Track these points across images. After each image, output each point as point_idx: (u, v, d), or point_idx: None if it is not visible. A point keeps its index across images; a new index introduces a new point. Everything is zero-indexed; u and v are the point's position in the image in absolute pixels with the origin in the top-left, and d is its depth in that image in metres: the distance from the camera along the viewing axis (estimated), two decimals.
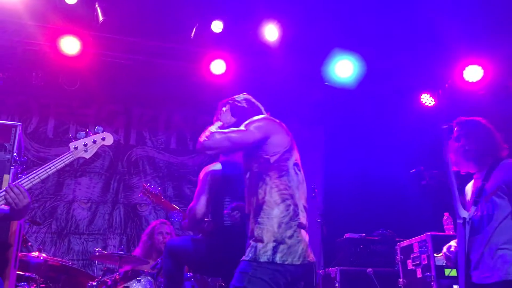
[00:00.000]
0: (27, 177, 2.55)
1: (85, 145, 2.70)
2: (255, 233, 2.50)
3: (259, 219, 2.52)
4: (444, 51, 6.16)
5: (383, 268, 5.28)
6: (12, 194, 2.46)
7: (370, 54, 6.35)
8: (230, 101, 3.05)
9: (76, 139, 2.70)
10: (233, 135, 2.64)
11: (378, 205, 6.73)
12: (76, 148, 2.68)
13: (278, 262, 2.41)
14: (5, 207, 2.56)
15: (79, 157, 2.67)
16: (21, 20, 5.57)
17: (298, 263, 2.44)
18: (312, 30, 6.02)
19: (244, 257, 2.51)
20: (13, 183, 2.51)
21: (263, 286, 2.38)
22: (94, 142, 2.73)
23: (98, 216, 6.65)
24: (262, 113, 2.94)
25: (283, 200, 2.55)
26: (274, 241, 2.45)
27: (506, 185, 2.92)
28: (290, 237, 2.47)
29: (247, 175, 2.71)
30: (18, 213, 2.59)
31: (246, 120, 2.72)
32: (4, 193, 2.48)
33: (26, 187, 2.52)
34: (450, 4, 5.38)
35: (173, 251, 3.47)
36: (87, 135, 2.72)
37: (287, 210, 2.53)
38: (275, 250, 2.43)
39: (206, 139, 2.61)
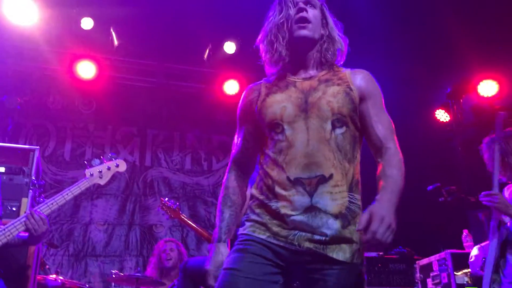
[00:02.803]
0: (46, 203, 2.63)
1: (100, 172, 2.80)
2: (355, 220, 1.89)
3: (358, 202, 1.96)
4: (459, 66, 6.13)
5: (402, 287, 5.19)
6: (32, 220, 2.53)
7: (382, 70, 6.34)
8: None
9: (91, 166, 2.79)
10: None
11: (396, 223, 6.65)
12: (91, 175, 2.78)
13: None
14: (24, 233, 2.61)
15: (95, 183, 2.75)
16: (38, 45, 5.71)
17: None
18: None
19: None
20: (33, 210, 2.57)
21: None
22: (109, 168, 2.83)
23: (114, 238, 6.67)
24: None
25: None
26: None
27: None
28: None
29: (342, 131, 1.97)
30: (36, 239, 2.65)
31: None
32: (24, 220, 2.52)
33: (45, 213, 2.58)
34: (464, 19, 5.37)
35: (189, 271, 3.47)
36: (101, 162, 2.82)
37: None
38: None
39: None
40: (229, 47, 6.01)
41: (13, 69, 6.01)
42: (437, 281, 4.56)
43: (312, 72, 2.04)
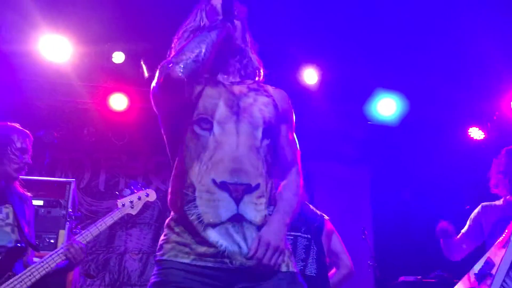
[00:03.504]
0: (81, 234, 2.70)
1: (131, 202, 2.89)
2: None
3: None
4: (491, 82, 6.02)
5: None
6: (72, 250, 2.63)
7: (414, 90, 6.29)
8: None
9: (122, 196, 2.88)
10: None
11: (433, 245, 6.47)
12: (123, 205, 2.86)
13: None
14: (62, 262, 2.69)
15: (127, 213, 2.83)
16: (72, 81, 5.90)
17: None
18: (352, 70, 6.05)
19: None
20: (72, 239, 2.65)
21: None
22: (139, 198, 2.92)
23: (149, 267, 6.71)
24: None
25: None
26: None
27: None
28: None
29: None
30: (74, 266, 2.73)
31: None
32: (64, 250, 2.61)
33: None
34: (496, 35, 5.30)
35: None
36: (132, 192, 2.91)
37: None
38: None
39: None
40: None
41: (48, 105, 6.22)
42: None
43: (238, 78, 1.99)
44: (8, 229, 2.61)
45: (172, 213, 1.88)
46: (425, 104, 6.47)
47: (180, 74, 1.74)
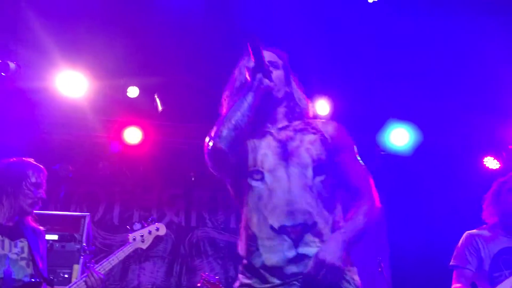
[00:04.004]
0: (100, 265, 2.73)
1: (142, 236, 2.93)
2: None
3: None
4: (505, 111, 5.99)
5: None
6: (92, 279, 2.68)
7: (427, 119, 6.28)
8: None
9: (133, 230, 2.92)
10: None
11: (451, 276, 6.32)
12: (134, 239, 2.90)
13: None
14: None
15: (138, 248, 2.87)
16: (87, 115, 6.00)
17: None
18: (363, 100, 6.07)
19: None
20: (92, 269, 2.68)
21: None
22: (150, 233, 2.96)
23: None
24: None
25: None
26: None
27: None
28: None
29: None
30: None
31: None
32: (85, 278, 2.72)
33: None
34: (509, 64, 5.30)
35: None
36: (142, 227, 2.95)
37: None
38: None
39: None
40: None
41: (64, 139, 6.30)
42: None
43: (283, 124, 2.07)
44: (23, 263, 2.62)
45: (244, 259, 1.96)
46: (438, 134, 6.44)
47: (222, 147, 1.91)
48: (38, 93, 5.52)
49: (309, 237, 1.81)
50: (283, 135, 2.01)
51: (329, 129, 2.07)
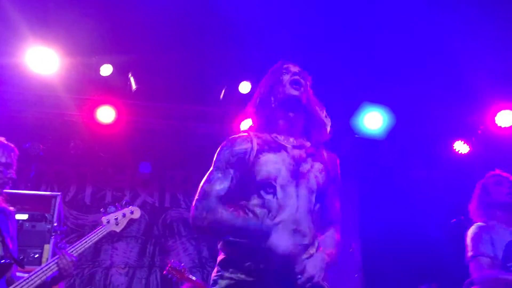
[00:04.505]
0: (73, 247, 2.71)
1: (116, 219, 2.90)
2: None
3: None
4: (475, 97, 6.11)
5: None
6: (64, 261, 2.64)
7: (399, 104, 6.36)
8: None
9: (107, 213, 2.89)
10: None
11: (420, 259, 6.51)
12: (108, 222, 2.88)
13: None
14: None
15: (111, 231, 2.85)
16: (59, 93, 5.86)
17: None
18: (338, 84, 6.10)
19: None
20: (64, 251, 2.65)
21: None
22: (124, 215, 2.94)
23: (135, 281, 6.64)
24: None
25: None
26: None
27: None
28: None
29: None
30: (59, 280, 2.73)
31: None
32: (57, 259, 2.67)
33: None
34: (480, 49, 5.39)
35: None
36: (117, 209, 2.93)
37: None
38: None
39: None
40: (245, 87, 6.11)
41: (35, 117, 6.16)
42: None
43: (298, 140, 2.17)
44: None
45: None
46: (411, 118, 6.54)
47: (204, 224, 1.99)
48: (7, 70, 5.36)
49: (303, 256, 1.96)
50: (296, 153, 2.11)
51: (331, 163, 2.22)
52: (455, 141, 6.74)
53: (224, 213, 1.95)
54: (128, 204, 3.00)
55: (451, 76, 5.81)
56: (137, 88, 5.90)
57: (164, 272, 4.56)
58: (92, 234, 2.83)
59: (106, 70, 5.72)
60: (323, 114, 2.26)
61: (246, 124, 6.48)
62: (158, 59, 5.72)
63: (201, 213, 2.00)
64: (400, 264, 6.46)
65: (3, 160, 2.71)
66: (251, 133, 2.18)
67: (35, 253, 3.56)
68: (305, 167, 2.07)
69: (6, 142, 2.82)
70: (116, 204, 2.98)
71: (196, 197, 2.12)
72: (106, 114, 6.10)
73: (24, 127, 5.99)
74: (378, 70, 5.83)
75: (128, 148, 6.71)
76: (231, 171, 2.08)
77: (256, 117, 2.26)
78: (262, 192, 1.98)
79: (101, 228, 2.87)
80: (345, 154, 7.16)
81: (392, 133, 6.53)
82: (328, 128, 2.25)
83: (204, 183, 2.13)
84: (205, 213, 1.99)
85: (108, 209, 2.93)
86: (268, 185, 1.98)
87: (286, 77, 2.24)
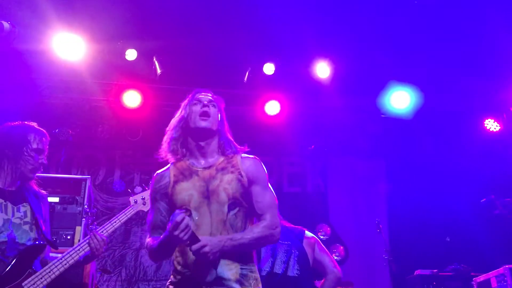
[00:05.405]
0: (103, 227, 2.76)
1: (143, 198, 2.94)
2: None
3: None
4: (505, 74, 5.94)
5: None
6: (95, 240, 2.71)
7: (428, 82, 6.23)
8: None
9: (134, 193, 2.93)
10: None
11: (449, 238, 6.43)
12: (135, 202, 2.91)
13: None
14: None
15: (139, 210, 2.89)
16: (85, 79, 5.95)
17: None
18: (364, 63, 6.01)
19: None
20: (95, 231, 2.71)
21: None
22: None
23: (164, 262, 6.76)
24: None
25: None
26: None
27: None
28: None
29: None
30: (91, 259, 2.81)
31: None
32: (88, 240, 2.73)
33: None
34: (508, 25, 5.22)
35: None
36: (143, 190, 2.96)
37: None
38: None
39: None
40: (269, 69, 6.07)
41: (63, 103, 6.28)
42: None
43: (210, 160, 2.46)
44: (26, 227, 2.64)
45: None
46: (439, 96, 6.41)
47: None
48: (35, 56, 5.46)
49: (223, 261, 2.25)
50: (206, 174, 2.40)
51: (246, 167, 2.45)
52: (486, 119, 6.59)
53: (149, 244, 2.37)
54: None
55: (480, 53, 5.66)
56: (162, 72, 5.94)
57: None
58: (120, 214, 2.87)
59: (131, 55, 5.77)
60: (229, 134, 2.56)
61: (271, 106, 6.47)
62: (182, 43, 5.74)
63: (147, 250, 2.43)
64: (428, 245, 6.40)
65: (35, 146, 2.76)
66: (170, 166, 2.50)
67: (67, 235, 3.66)
68: (215, 183, 2.36)
69: (37, 127, 2.87)
70: (143, 184, 3.03)
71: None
72: (132, 99, 6.17)
73: (52, 113, 6.11)
74: (404, 48, 5.72)
75: (155, 132, 6.76)
76: (158, 204, 2.44)
77: (172, 144, 2.53)
78: None
79: (129, 208, 2.92)
80: (372, 134, 7.12)
81: (420, 112, 6.41)
82: (234, 147, 2.53)
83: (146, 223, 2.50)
84: (146, 248, 2.43)
85: (135, 189, 2.97)
86: (185, 210, 2.30)
87: (197, 108, 2.51)
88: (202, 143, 2.46)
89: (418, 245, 6.38)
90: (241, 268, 2.30)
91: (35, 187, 2.85)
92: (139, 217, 6.80)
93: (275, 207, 2.47)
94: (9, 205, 2.68)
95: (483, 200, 5.12)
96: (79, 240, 3.66)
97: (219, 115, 2.56)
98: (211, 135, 2.49)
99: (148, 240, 2.40)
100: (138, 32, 5.59)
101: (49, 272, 2.58)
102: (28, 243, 2.66)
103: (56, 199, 3.80)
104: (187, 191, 2.35)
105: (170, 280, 2.35)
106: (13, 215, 2.67)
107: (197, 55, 5.89)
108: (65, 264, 2.63)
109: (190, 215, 2.28)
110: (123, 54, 5.75)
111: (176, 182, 2.40)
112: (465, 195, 6.15)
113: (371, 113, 6.74)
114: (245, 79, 6.20)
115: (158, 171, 2.55)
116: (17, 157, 2.73)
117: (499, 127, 6.52)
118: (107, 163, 7.11)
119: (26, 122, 2.87)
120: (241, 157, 2.51)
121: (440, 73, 6.05)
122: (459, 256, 5.68)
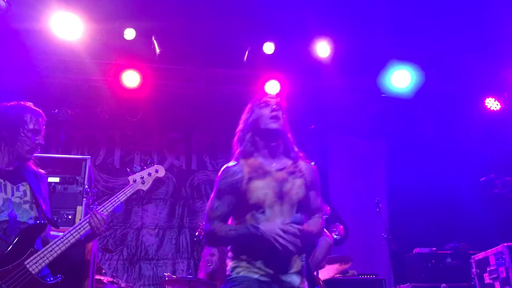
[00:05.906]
0: (103, 206, 2.76)
1: (142, 178, 2.93)
2: None
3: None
4: (506, 52, 5.90)
5: (458, 283, 5.05)
6: (95, 219, 2.70)
7: (428, 61, 6.19)
8: None
9: (133, 172, 2.92)
10: None
11: (448, 217, 6.47)
12: (134, 181, 2.91)
13: None
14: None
15: (139, 189, 2.88)
16: (84, 58, 5.91)
17: None
18: (364, 42, 5.97)
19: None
20: (95, 210, 2.71)
21: None
22: (149, 175, 2.97)
23: (165, 241, 6.82)
24: None
25: None
26: None
27: None
28: None
29: None
30: (92, 237, 2.82)
31: None
32: (88, 219, 2.72)
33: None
34: (509, 4, 5.17)
35: None
36: (142, 169, 2.96)
37: None
38: None
39: None
40: (268, 48, 6.02)
41: (61, 83, 6.25)
42: (495, 275, 4.40)
43: (280, 162, 2.64)
44: (27, 206, 2.65)
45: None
46: (440, 75, 6.37)
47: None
48: (32, 35, 5.41)
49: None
50: (279, 176, 2.57)
51: (308, 173, 2.66)
52: (486, 98, 6.57)
53: (223, 230, 2.52)
54: (153, 163, 3.03)
55: (481, 31, 5.61)
56: (161, 52, 5.89)
57: (197, 233, 4.66)
58: (120, 193, 2.87)
59: (130, 34, 5.72)
60: (291, 136, 2.75)
61: (271, 85, 6.44)
62: (181, 22, 5.68)
63: (208, 234, 2.56)
64: (427, 223, 6.45)
65: (31, 126, 2.74)
66: (242, 161, 2.64)
67: (68, 214, 3.68)
68: (287, 186, 2.55)
69: (33, 107, 2.85)
70: (141, 163, 3.01)
71: (203, 221, 2.72)
72: (131, 79, 6.14)
73: (51, 93, 6.09)
74: (405, 26, 5.67)
75: (155, 112, 6.77)
76: (227, 196, 2.56)
77: (243, 145, 2.69)
78: (254, 211, 2.49)
79: (128, 187, 2.91)
80: (372, 113, 7.11)
81: (420, 91, 6.39)
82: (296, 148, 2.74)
83: (207, 210, 2.61)
84: (211, 233, 2.54)
85: (134, 168, 2.97)
86: (259, 207, 2.48)
87: (267, 111, 2.66)
88: (272, 144, 2.64)
89: (417, 224, 6.42)
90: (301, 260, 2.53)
91: (34, 167, 2.84)
92: (140, 197, 6.83)
93: (322, 211, 2.74)
94: (8, 185, 2.69)
95: (482, 179, 5.13)
96: (80, 220, 3.68)
97: (285, 118, 2.73)
98: (280, 136, 2.66)
99: (215, 226, 2.51)
100: (136, 11, 5.53)
101: (51, 250, 2.60)
102: (30, 222, 2.67)
103: (56, 179, 3.80)
104: (262, 189, 2.51)
105: (235, 266, 2.48)
106: (12, 194, 2.68)
107: (196, 34, 5.84)
108: (67, 243, 2.64)
109: (263, 212, 2.47)
110: (121, 33, 5.70)
111: (250, 179, 2.54)
112: (465, 174, 6.16)
113: (372, 93, 6.72)
114: (245, 58, 6.16)
115: (228, 165, 2.67)
116: (14, 138, 2.71)
117: (500, 106, 6.50)
118: (107, 143, 7.11)
119: (22, 102, 2.84)
120: (304, 163, 2.71)
121: (441, 52, 6.01)
122: (458, 235, 5.72)
